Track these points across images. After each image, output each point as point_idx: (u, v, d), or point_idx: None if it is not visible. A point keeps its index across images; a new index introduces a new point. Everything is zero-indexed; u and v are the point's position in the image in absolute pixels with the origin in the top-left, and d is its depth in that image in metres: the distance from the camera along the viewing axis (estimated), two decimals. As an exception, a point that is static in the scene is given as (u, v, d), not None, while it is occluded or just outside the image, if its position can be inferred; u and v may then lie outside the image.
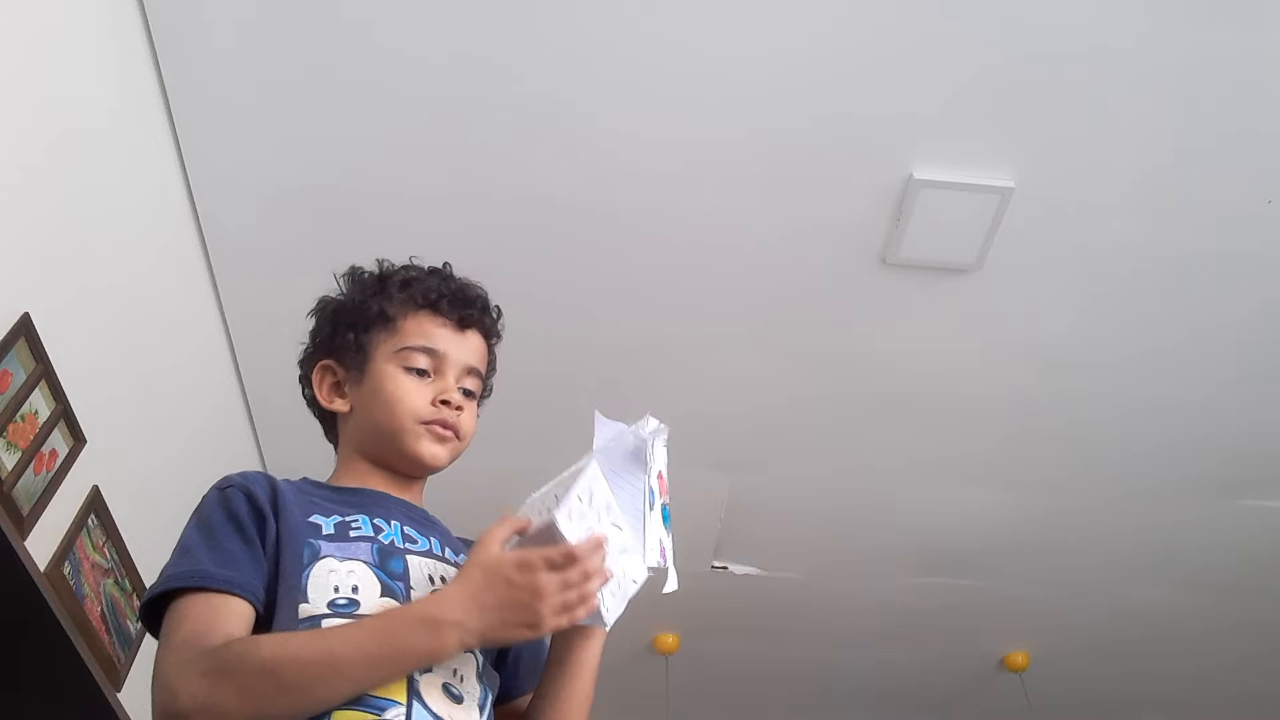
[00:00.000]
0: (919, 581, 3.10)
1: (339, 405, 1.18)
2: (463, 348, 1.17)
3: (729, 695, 3.61)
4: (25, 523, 1.51)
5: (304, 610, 0.94)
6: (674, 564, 1.05)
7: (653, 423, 1.10)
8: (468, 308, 1.19)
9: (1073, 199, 2.05)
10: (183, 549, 1.00)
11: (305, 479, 1.14)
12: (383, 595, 0.98)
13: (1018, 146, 1.97)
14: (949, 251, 2.13)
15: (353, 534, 1.04)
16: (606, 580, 0.93)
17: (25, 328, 1.50)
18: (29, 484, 1.53)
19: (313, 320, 1.23)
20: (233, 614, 0.93)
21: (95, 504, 1.73)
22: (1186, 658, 3.38)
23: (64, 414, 1.62)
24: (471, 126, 1.93)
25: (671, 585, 1.05)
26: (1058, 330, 2.32)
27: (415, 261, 1.23)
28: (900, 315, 2.29)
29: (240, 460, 2.45)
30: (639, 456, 1.07)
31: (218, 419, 2.34)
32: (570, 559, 0.89)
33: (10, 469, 1.48)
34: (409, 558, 1.04)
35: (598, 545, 0.92)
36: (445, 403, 1.13)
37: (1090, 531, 2.90)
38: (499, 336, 1.24)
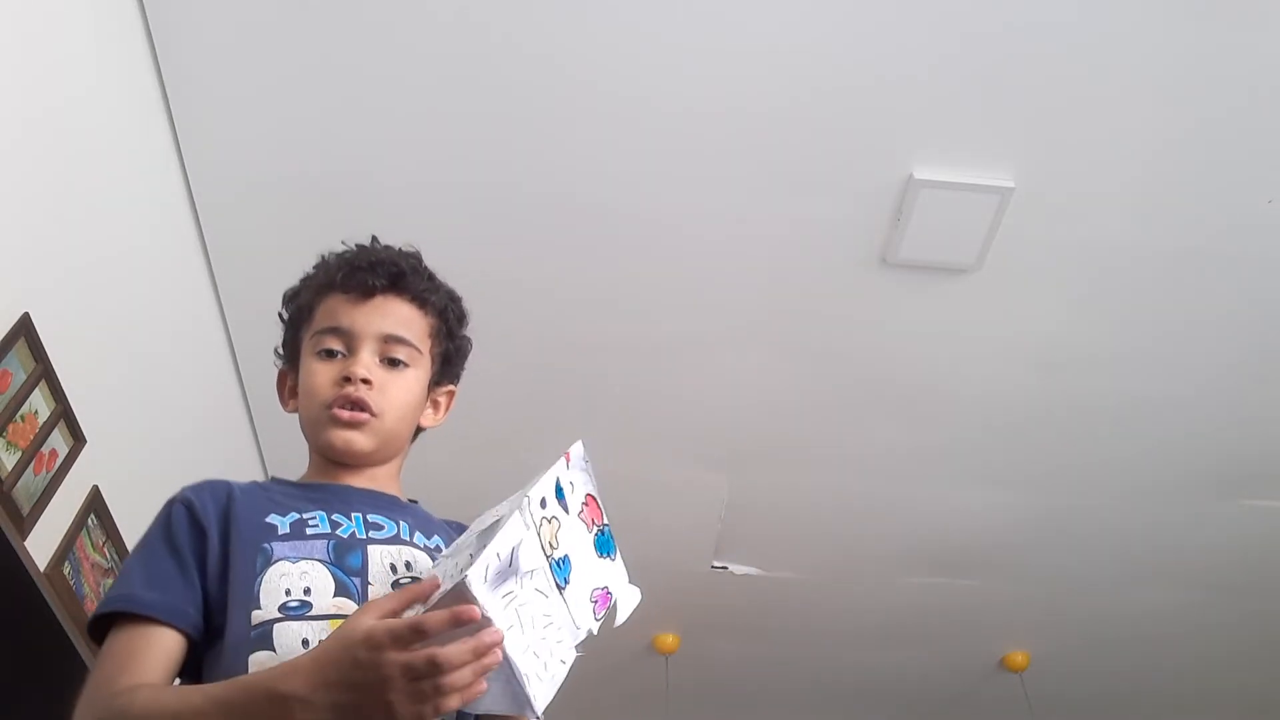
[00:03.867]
0: (919, 581, 3.10)
1: (291, 407, 1.15)
2: (373, 317, 1.10)
3: (729, 695, 3.61)
4: (25, 523, 1.51)
5: (256, 617, 0.93)
6: (628, 584, 0.96)
7: (575, 451, 0.96)
8: (371, 274, 1.11)
9: (1072, 199, 2.05)
10: (124, 568, 1.01)
11: (276, 479, 1.13)
12: (336, 594, 0.96)
13: (1017, 147, 1.97)
14: (949, 251, 2.13)
15: (309, 531, 1.01)
16: (487, 663, 0.78)
17: (25, 328, 1.50)
18: (29, 484, 1.53)
19: None
20: (152, 649, 0.92)
21: (95, 504, 1.73)
22: (1186, 657, 3.39)
23: (64, 414, 1.62)
24: (469, 125, 1.93)
25: (630, 603, 0.96)
26: (1057, 329, 2.32)
27: (363, 243, 1.18)
28: (900, 315, 2.29)
29: (240, 459, 2.45)
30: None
31: (217, 419, 2.34)
32: (417, 632, 0.76)
33: (10, 469, 1.48)
34: (370, 549, 1.01)
35: (465, 618, 0.76)
36: (347, 379, 1.06)
37: (1090, 531, 2.90)
38: (436, 295, 1.15)
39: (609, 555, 0.96)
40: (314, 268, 1.18)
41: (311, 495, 1.07)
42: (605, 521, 0.97)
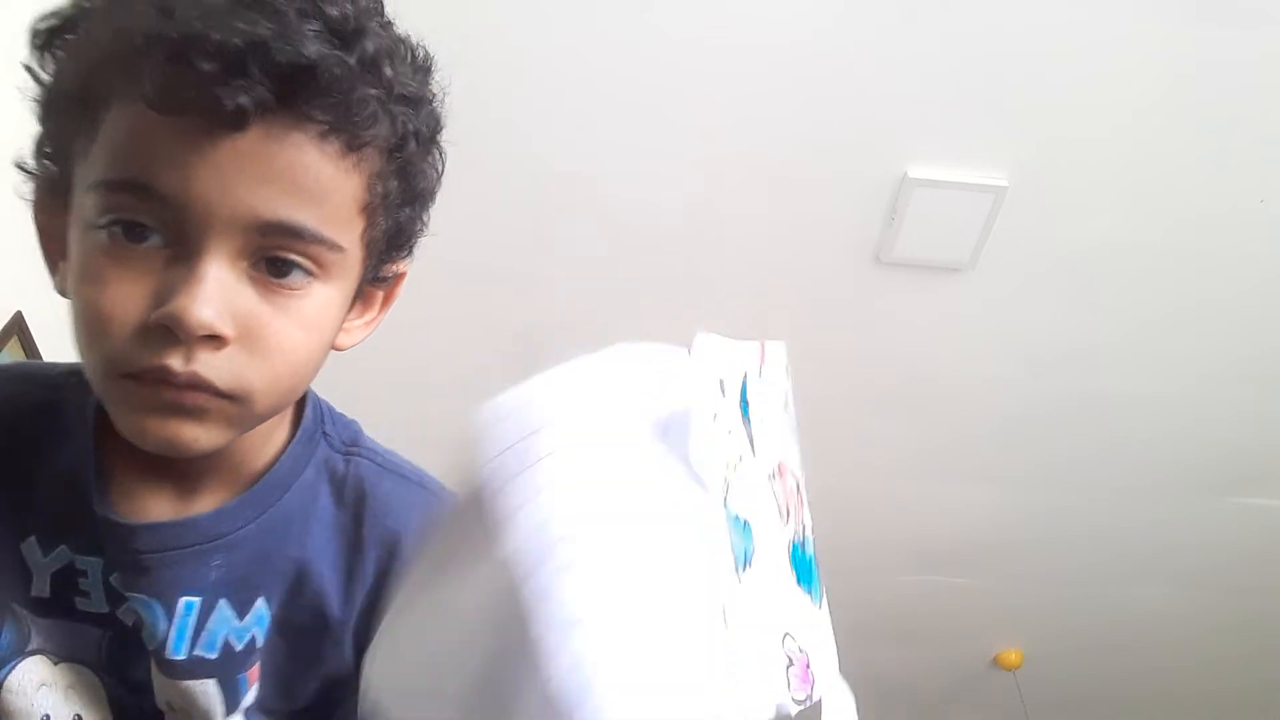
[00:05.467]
0: (911, 579, 3.10)
1: (59, 283, 0.66)
2: (233, 177, 0.52)
3: (723, 693, 3.61)
4: (18, 522, 1.50)
5: None
6: (838, 676, 0.57)
7: (774, 351, 0.52)
8: (229, 74, 0.50)
9: (1066, 198, 2.05)
10: None
11: (72, 387, 0.64)
12: None
13: (1011, 145, 1.97)
14: (943, 250, 2.14)
15: (80, 605, 0.61)
16: None
17: (18, 326, 1.49)
18: (21, 483, 1.53)
19: None
20: None
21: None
22: (1181, 656, 3.39)
23: (56, 413, 1.61)
24: (468, 125, 1.93)
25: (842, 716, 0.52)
26: (1051, 328, 2.32)
27: None
28: (894, 314, 2.29)
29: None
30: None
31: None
32: None
33: (2, 468, 1.47)
34: (156, 669, 0.60)
35: None
36: (167, 330, 0.53)
37: (1084, 529, 2.90)
38: (383, 122, 0.58)
39: (810, 591, 0.52)
40: None
41: (92, 513, 0.61)
42: (808, 523, 0.53)
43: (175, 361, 0.53)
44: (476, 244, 2.09)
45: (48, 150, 0.63)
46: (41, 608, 0.60)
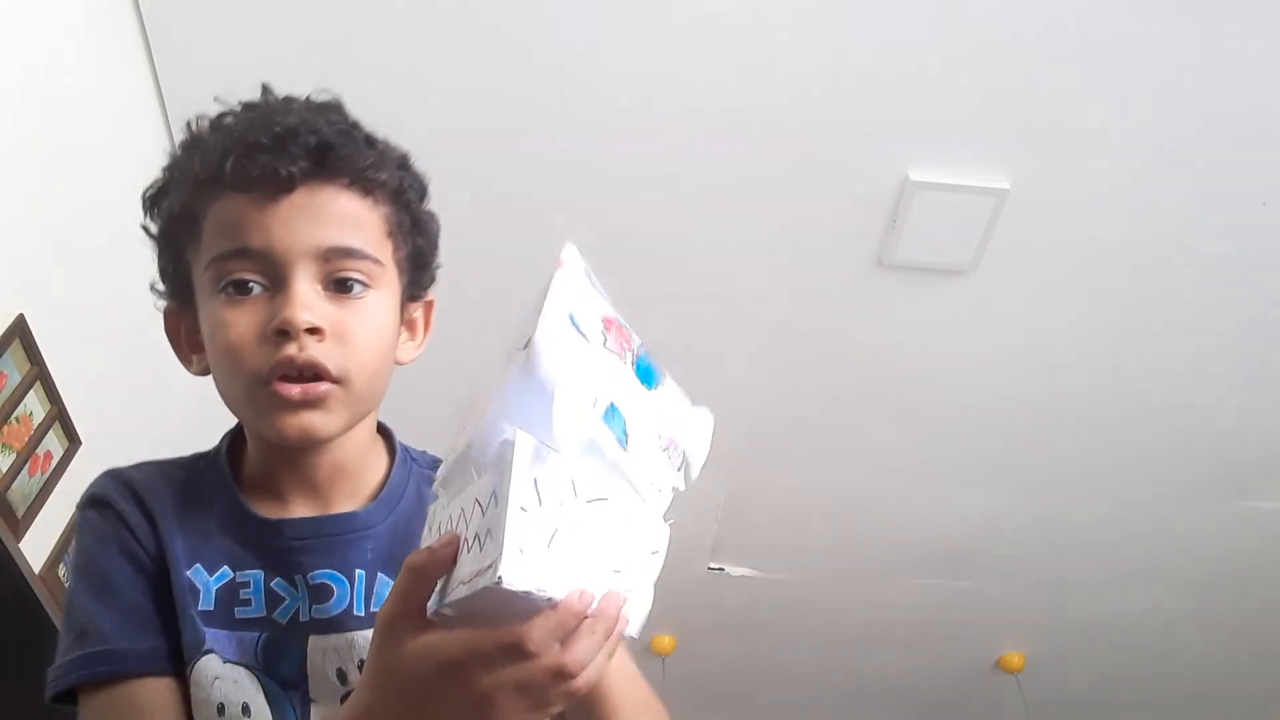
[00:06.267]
0: (915, 583, 3.10)
1: (198, 366, 0.83)
2: (299, 223, 0.74)
3: (725, 696, 3.61)
4: (20, 525, 1.51)
5: None
6: (690, 407, 0.71)
7: (569, 259, 0.73)
8: (280, 153, 0.74)
9: (1068, 200, 2.05)
10: (74, 618, 0.78)
11: (204, 458, 0.86)
12: None
13: (1013, 148, 1.97)
14: (945, 253, 2.13)
15: (239, 614, 0.78)
16: (617, 631, 0.61)
17: (20, 329, 1.50)
18: (24, 486, 1.53)
19: None
20: (156, 709, 0.74)
21: (90, 506, 1.73)
22: (1183, 659, 3.39)
23: (59, 416, 1.61)
24: (466, 128, 1.93)
25: (705, 430, 0.71)
26: (1053, 332, 2.32)
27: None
28: (896, 317, 2.29)
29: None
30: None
31: (213, 422, 2.33)
32: (515, 650, 0.56)
33: (5, 471, 1.48)
34: (312, 641, 0.77)
35: (575, 613, 0.57)
36: (282, 333, 0.73)
37: (1086, 533, 2.90)
38: (385, 167, 0.81)
39: (658, 383, 0.70)
40: (182, 147, 0.83)
41: (250, 535, 0.80)
42: (639, 342, 0.71)
43: (293, 351, 0.73)
44: (478, 246, 2.09)
45: (169, 271, 0.82)
46: (208, 618, 0.77)
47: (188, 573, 0.78)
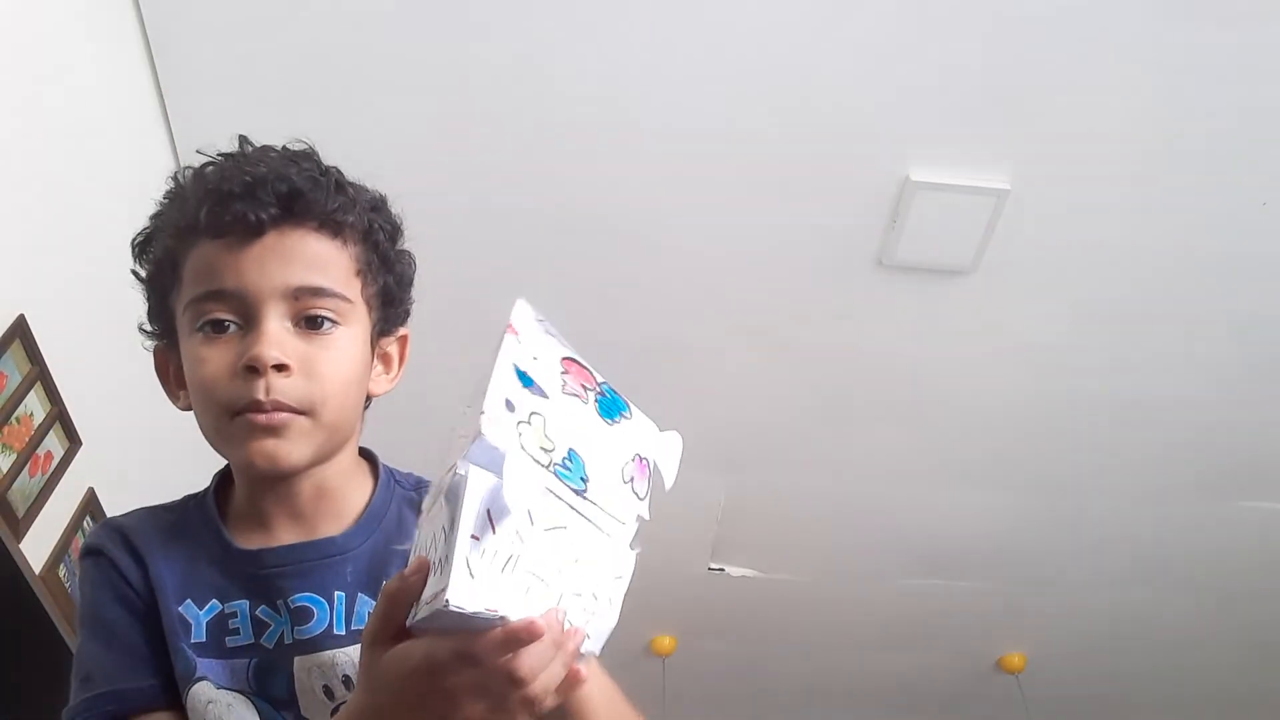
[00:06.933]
0: (915, 583, 3.10)
1: (184, 401, 0.87)
2: (269, 265, 0.79)
3: (726, 697, 3.61)
4: (20, 525, 1.51)
5: None
6: (659, 434, 0.74)
7: (519, 317, 0.79)
8: (251, 200, 0.79)
9: (1068, 201, 2.05)
10: (81, 664, 0.84)
11: (192, 501, 0.91)
12: None
13: (1013, 149, 1.97)
14: (945, 253, 2.13)
15: (230, 643, 0.83)
16: (572, 646, 0.66)
17: (20, 329, 1.50)
18: (24, 486, 1.53)
19: None
20: None
21: (91, 506, 1.72)
22: (1183, 659, 3.39)
23: (59, 416, 1.62)
24: (468, 133, 1.93)
25: (673, 454, 0.74)
26: (1053, 332, 2.32)
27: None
28: (896, 317, 2.29)
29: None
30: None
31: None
32: (468, 658, 0.62)
33: (5, 471, 1.48)
34: (297, 662, 0.82)
35: (525, 633, 0.61)
36: (251, 369, 0.77)
37: (1086, 533, 2.90)
38: (354, 210, 0.85)
39: (621, 415, 0.73)
40: (166, 197, 0.87)
41: (235, 567, 0.85)
42: (600, 380, 0.74)
43: (259, 391, 0.77)
44: (480, 247, 2.10)
45: (156, 312, 0.87)
46: (201, 649, 0.82)
47: (179, 608, 0.83)
